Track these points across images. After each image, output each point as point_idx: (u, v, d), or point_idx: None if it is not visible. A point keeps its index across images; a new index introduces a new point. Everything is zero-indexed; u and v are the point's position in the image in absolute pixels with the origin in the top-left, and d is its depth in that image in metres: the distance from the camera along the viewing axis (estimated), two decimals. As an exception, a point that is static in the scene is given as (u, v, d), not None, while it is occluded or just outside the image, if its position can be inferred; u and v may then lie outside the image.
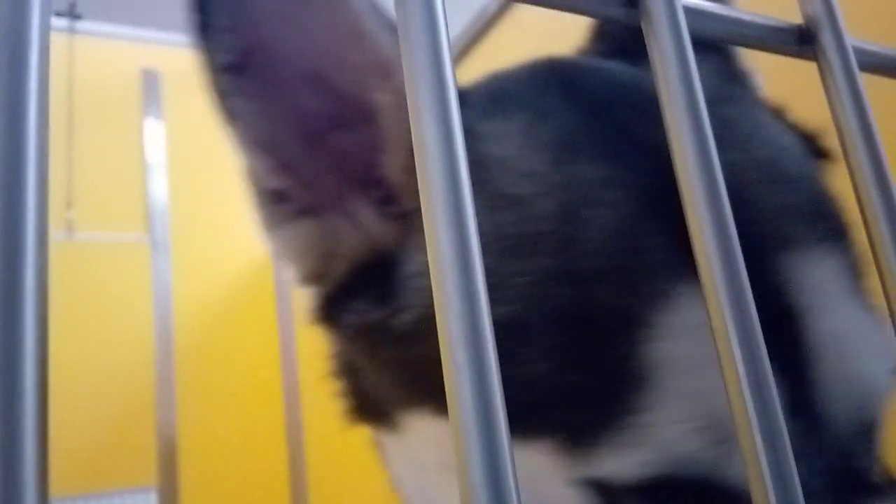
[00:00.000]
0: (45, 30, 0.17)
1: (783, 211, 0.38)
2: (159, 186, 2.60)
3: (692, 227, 0.24)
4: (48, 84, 0.16)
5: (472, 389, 0.17)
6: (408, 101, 0.18)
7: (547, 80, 0.43)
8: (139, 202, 2.60)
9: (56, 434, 0.17)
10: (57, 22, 2.48)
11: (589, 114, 0.40)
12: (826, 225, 0.39)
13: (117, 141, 2.57)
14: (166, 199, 2.61)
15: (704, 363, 0.33)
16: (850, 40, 0.27)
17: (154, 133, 2.62)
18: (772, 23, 0.27)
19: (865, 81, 0.27)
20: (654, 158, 0.35)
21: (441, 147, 0.17)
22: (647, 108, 0.32)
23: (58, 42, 2.42)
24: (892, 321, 0.23)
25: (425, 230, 0.19)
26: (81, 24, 2.62)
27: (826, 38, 0.27)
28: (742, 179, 0.37)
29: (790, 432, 0.22)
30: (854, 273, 0.38)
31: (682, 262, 0.34)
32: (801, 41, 0.27)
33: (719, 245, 0.23)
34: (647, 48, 0.24)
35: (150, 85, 2.64)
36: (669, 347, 0.34)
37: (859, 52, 0.27)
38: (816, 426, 0.35)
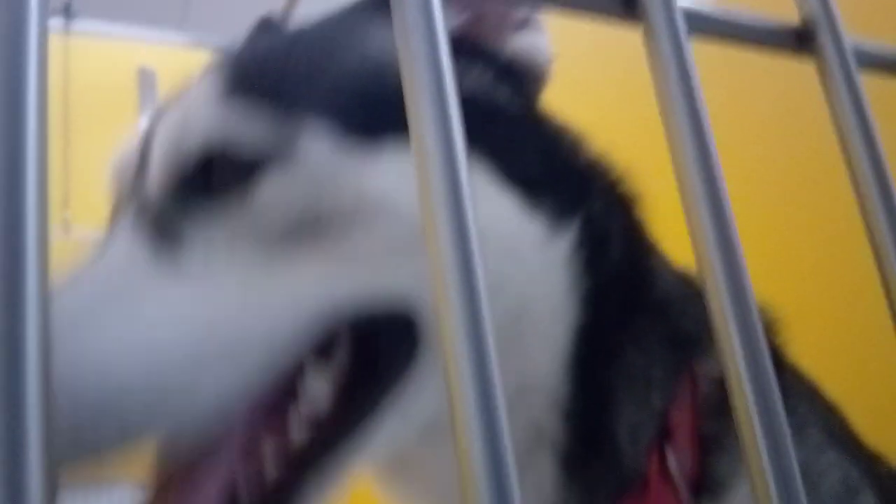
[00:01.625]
0: (44, 30, 0.17)
1: None
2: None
3: (692, 227, 0.24)
4: (47, 84, 0.16)
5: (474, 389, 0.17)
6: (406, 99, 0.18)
7: None
8: (136, 201, 2.60)
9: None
10: (52, 21, 2.47)
11: None
12: None
13: (114, 139, 2.56)
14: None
15: None
16: (849, 40, 0.27)
17: (150, 132, 2.62)
18: (769, 23, 0.27)
19: (864, 81, 0.27)
20: None
21: (441, 155, 0.17)
22: None
23: (53, 41, 2.41)
24: (893, 321, 0.23)
25: (425, 230, 0.19)
26: (77, 23, 2.61)
27: (824, 38, 0.27)
28: None
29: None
30: None
31: None
32: (799, 41, 0.27)
33: (720, 245, 0.23)
34: (646, 48, 0.24)
35: (147, 83, 2.63)
36: None
37: (858, 52, 0.27)
38: None
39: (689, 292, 0.52)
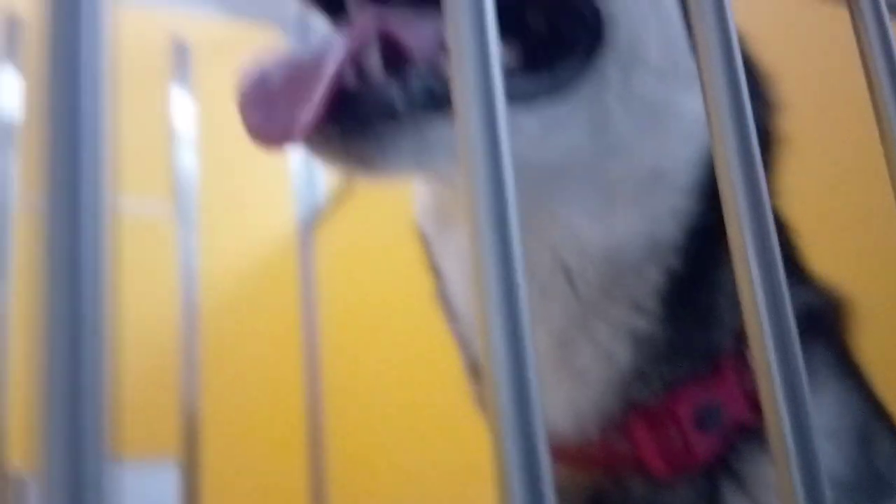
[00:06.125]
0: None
1: None
2: (188, 160, 2.63)
3: (720, 164, 0.24)
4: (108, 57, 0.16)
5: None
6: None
7: None
8: (167, 175, 2.63)
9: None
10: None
11: None
12: None
13: (145, 112, 2.60)
14: (194, 172, 2.64)
15: None
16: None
17: (183, 105, 2.64)
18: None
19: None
20: None
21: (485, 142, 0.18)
22: None
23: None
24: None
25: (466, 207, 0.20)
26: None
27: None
28: None
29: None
30: None
31: None
32: (835, -11, 0.27)
33: (745, 182, 0.24)
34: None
35: (180, 56, 2.66)
36: None
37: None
38: None
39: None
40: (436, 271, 0.58)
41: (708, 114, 0.25)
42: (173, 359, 2.52)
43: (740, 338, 0.47)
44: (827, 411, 0.47)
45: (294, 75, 0.43)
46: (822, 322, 0.51)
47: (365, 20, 0.45)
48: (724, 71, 0.25)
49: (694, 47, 0.50)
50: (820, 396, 0.47)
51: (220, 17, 2.83)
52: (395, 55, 0.44)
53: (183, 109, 2.64)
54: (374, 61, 0.43)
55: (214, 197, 2.70)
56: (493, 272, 0.17)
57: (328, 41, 0.44)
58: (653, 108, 0.49)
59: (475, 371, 0.56)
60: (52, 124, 0.14)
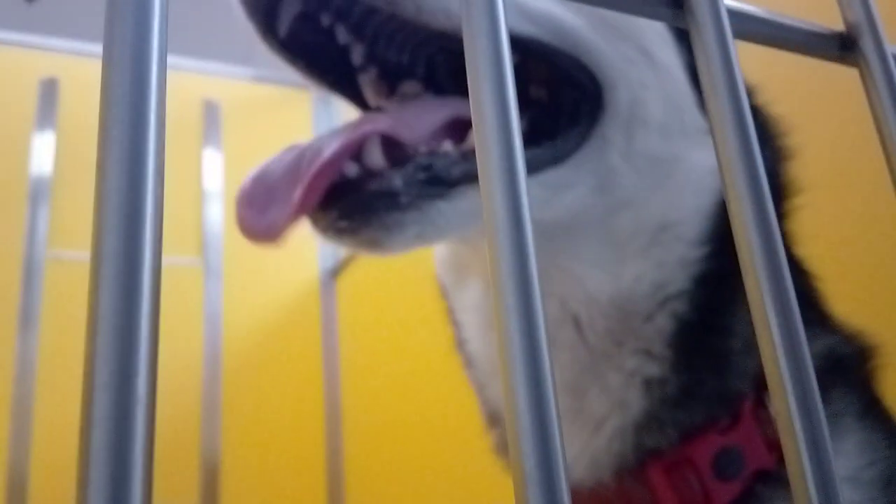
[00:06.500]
0: (162, 67, 0.18)
1: None
2: (215, 213, 2.69)
3: (734, 215, 0.25)
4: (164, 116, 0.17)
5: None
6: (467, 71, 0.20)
7: None
8: (195, 228, 2.68)
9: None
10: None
11: None
12: None
13: (177, 169, 2.66)
14: (221, 225, 2.69)
15: None
16: (891, 47, 0.28)
17: (212, 162, 2.71)
18: (814, 28, 0.28)
19: None
20: None
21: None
22: None
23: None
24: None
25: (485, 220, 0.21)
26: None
27: (867, 45, 0.28)
28: None
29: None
30: None
31: None
32: (842, 47, 0.29)
33: (759, 231, 0.24)
34: (693, 47, 0.25)
35: (211, 115, 2.74)
36: None
37: (900, 58, 0.28)
38: None
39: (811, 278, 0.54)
40: (454, 321, 0.58)
41: (720, 163, 0.26)
42: (194, 408, 2.53)
43: (759, 383, 0.47)
44: (850, 456, 0.46)
45: (291, 168, 0.45)
46: (846, 366, 0.51)
47: (364, 120, 0.48)
48: (734, 120, 0.26)
49: (701, 101, 0.52)
50: (843, 441, 0.47)
51: (249, 79, 2.91)
52: (395, 147, 0.46)
53: (213, 166, 2.70)
54: (376, 155, 0.46)
55: (239, 248, 2.74)
56: (515, 332, 0.18)
57: (328, 136, 0.47)
58: (658, 164, 0.51)
59: (492, 417, 0.56)
60: (111, 184, 0.15)
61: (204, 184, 2.72)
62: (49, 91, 2.54)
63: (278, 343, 2.72)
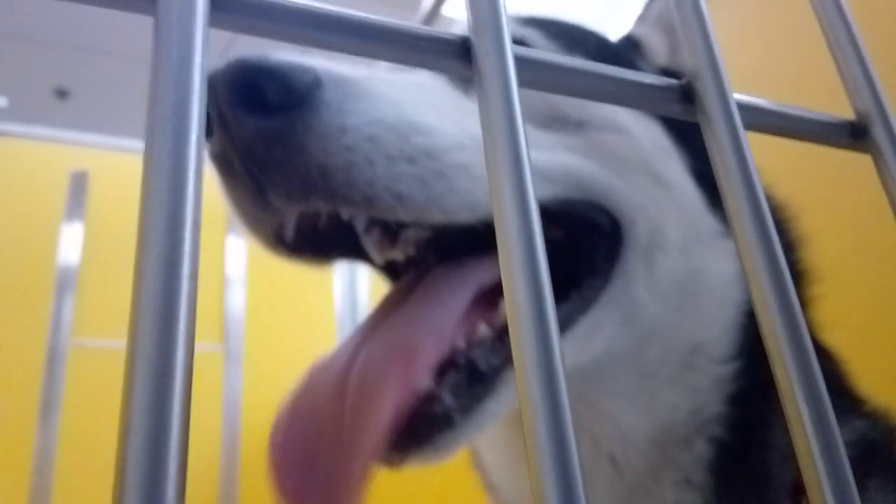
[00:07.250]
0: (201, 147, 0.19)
1: None
2: (237, 299, 2.71)
3: (757, 305, 0.25)
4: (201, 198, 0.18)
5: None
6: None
7: None
8: (217, 314, 2.70)
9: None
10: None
11: None
12: None
13: (201, 256, 2.69)
14: (243, 311, 2.71)
15: None
16: (902, 135, 0.29)
17: (235, 249, 2.75)
18: (824, 118, 0.29)
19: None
20: None
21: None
22: None
23: None
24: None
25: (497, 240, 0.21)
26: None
27: (878, 132, 0.29)
28: None
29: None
30: None
31: None
32: (853, 135, 0.29)
33: (783, 315, 0.24)
34: (705, 139, 0.26)
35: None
36: None
37: (911, 145, 0.29)
38: None
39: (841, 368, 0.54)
40: (478, 463, 0.58)
41: (739, 252, 0.26)
42: (212, 492, 2.48)
43: (796, 489, 0.45)
44: None
45: (321, 424, 0.43)
46: (879, 452, 0.50)
47: (399, 364, 0.44)
48: (751, 212, 0.26)
49: (708, 201, 0.51)
50: None
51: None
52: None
53: (235, 254, 2.75)
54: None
55: (260, 333, 2.75)
56: (549, 474, 0.18)
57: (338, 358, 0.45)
58: (680, 284, 0.51)
59: None
60: (147, 285, 0.16)
61: (227, 270, 2.75)
62: (79, 183, 2.60)
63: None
